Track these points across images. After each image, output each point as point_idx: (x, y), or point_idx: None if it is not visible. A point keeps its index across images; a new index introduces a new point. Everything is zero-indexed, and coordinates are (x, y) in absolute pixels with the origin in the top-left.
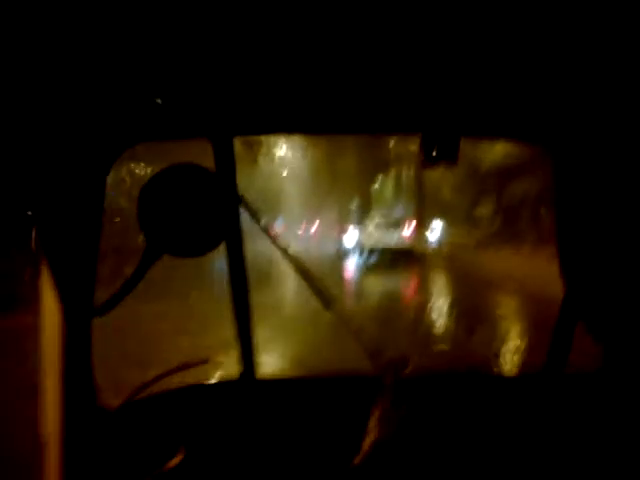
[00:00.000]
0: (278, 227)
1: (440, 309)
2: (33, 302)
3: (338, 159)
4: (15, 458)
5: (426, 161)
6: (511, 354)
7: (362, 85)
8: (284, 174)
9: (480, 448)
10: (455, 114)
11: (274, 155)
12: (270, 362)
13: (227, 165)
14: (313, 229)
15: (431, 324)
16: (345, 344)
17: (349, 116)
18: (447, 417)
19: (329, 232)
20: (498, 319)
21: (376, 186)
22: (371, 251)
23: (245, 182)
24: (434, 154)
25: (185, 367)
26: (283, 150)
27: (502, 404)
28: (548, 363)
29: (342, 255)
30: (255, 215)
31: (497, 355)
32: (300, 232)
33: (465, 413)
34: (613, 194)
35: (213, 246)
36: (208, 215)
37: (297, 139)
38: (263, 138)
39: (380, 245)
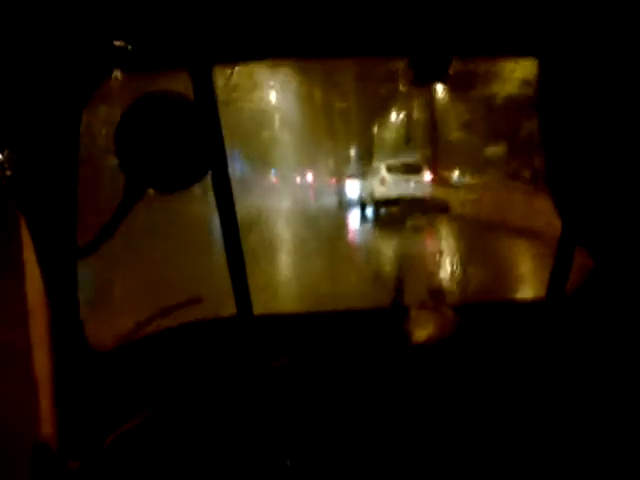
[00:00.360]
0: (272, 178)
1: (457, 253)
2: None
3: (336, 96)
4: (9, 403)
5: (417, 80)
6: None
7: (347, 5)
8: (275, 118)
9: (497, 374)
10: (442, 33)
11: (264, 97)
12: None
13: (207, 95)
14: (311, 178)
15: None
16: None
17: (334, 38)
18: (468, 346)
19: (330, 181)
20: (509, 255)
21: (382, 128)
22: (385, 202)
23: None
24: (424, 73)
25: (179, 306)
26: (274, 91)
27: (516, 329)
28: (550, 289)
29: (348, 206)
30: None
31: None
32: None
33: (485, 340)
34: (600, 112)
35: (197, 179)
36: (190, 146)
37: (289, 78)
38: (252, 78)
39: (394, 194)
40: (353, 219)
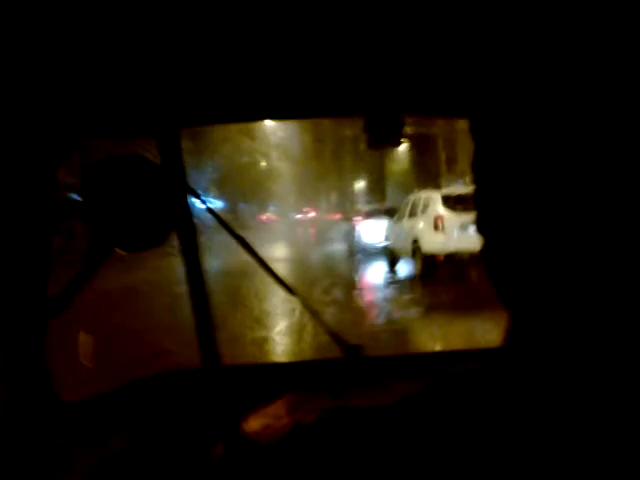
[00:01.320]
0: (270, 213)
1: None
2: None
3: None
4: None
5: (372, 144)
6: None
7: (303, 71)
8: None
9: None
10: (394, 96)
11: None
12: (234, 351)
13: (174, 159)
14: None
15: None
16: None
17: (293, 102)
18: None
19: (333, 218)
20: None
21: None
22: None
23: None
24: (379, 136)
25: (145, 359)
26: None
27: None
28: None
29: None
30: (209, 208)
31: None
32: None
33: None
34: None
35: (162, 240)
36: (155, 207)
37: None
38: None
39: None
40: (377, 283)
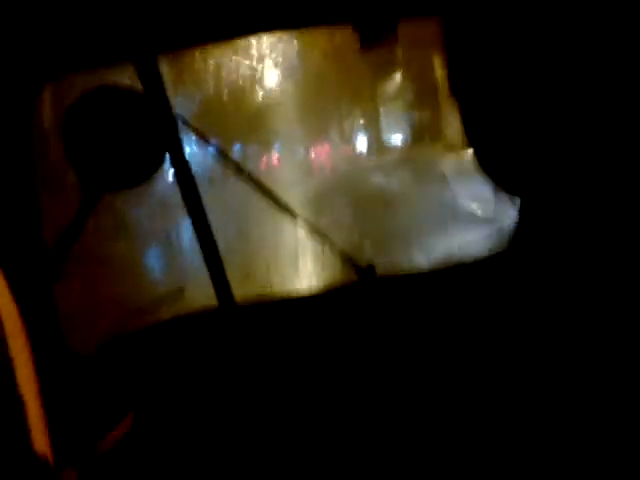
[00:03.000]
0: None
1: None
2: None
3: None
4: None
5: (365, 45)
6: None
7: None
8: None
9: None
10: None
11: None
12: (245, 289)
13: (155, 85)
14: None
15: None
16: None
17: (276, 10)
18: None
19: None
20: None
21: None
22: None
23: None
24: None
25: (160, 302)
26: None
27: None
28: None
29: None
30: (200, 135)
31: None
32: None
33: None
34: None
35: (151, 171)
36: (142, 137)
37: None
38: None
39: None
40: None
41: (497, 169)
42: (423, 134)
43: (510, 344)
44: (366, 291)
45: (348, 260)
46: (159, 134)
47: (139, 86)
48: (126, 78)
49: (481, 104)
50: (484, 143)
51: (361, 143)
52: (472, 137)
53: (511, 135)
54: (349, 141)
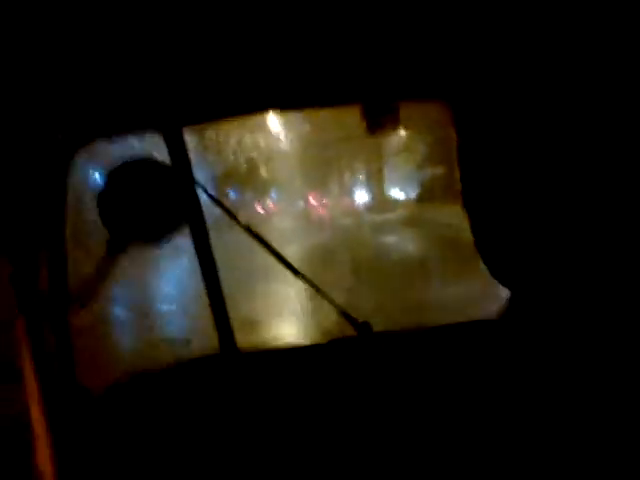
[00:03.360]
0: (269, 204)
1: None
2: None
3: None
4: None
5: (371, 128)
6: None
7: (300, 61)
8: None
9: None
10: (390, 80)
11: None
12: (249, 337)
13: (180, 154)
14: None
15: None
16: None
17: (291, 92)
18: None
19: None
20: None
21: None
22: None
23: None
24: (377, 120)
25: (167, 348)
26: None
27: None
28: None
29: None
30: (216, 201)
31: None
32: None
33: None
34: (516, 151)
35: (174, 233)
36: (167, 205)
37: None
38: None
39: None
40: None
41: (497, 264)
42: (429, 194)
43: (503, 402)
44: (363, 346)
45: (345, 315)
46: (181, 199)
47: (165, 155)
48: (153, 147)
49: (487, 202)
50: (489, 242)
51: (365, 199)
52: (478, 236)
53: (515, 236)
54: (353, 199)
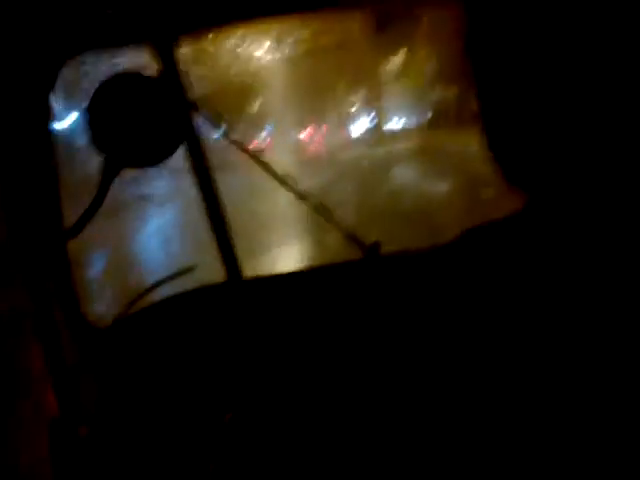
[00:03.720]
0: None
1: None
2: None
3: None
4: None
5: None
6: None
7: None
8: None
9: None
10: None
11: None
12: (253, 263)
13: (172, 67)
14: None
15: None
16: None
17: None
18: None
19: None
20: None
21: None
22: None
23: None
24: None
25: (172, 277)
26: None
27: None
28: None
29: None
30: (211, 119)
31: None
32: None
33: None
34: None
35: (169, 153)
36: (161, 121)
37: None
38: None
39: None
40: None
41: (507, 158)
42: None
43: (514, 329)
44: (370, 268)
45: (353, 238)
46: (175, 116)
47: (156, 68)
48: (143, 59)
49: (499, 91)
50: (498, 131)
51: (367, 126)
52: (487, 123)
53: (527, 126)
54: (355, 124)
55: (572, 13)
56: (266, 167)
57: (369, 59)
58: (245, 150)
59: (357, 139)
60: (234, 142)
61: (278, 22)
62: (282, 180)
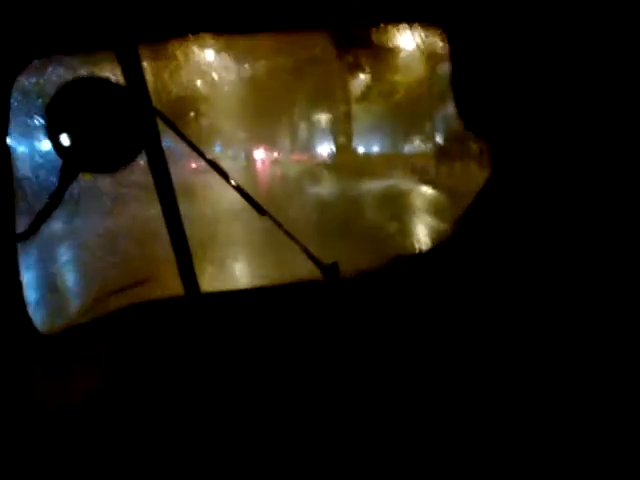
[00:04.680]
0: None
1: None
2: None
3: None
4: None
5: (341, 50)
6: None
7: None
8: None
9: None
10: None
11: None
12: (212, 277)
13: (134, 73)
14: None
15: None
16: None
17: (255, 14)
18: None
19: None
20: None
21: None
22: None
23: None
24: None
25: (124, 289)
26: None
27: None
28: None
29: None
30: (173, 126)
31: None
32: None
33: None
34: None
35: (129, 160)
36: (121, 127)
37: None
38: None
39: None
40: None
41: (473, 114)
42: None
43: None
44: (329, 289)
45: (312, 257)
46: (137, 123)
47: (119, 74)
48: (108, 64)
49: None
50: (467, 93)
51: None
52: (457, 84)
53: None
54: (312, 142)
55: None
56: (229, 180)
57: (332, 79)
58: (210, 162)
59: (317, 158)
60: (195, 150)
61: (242, 39)
62: (244, 193)
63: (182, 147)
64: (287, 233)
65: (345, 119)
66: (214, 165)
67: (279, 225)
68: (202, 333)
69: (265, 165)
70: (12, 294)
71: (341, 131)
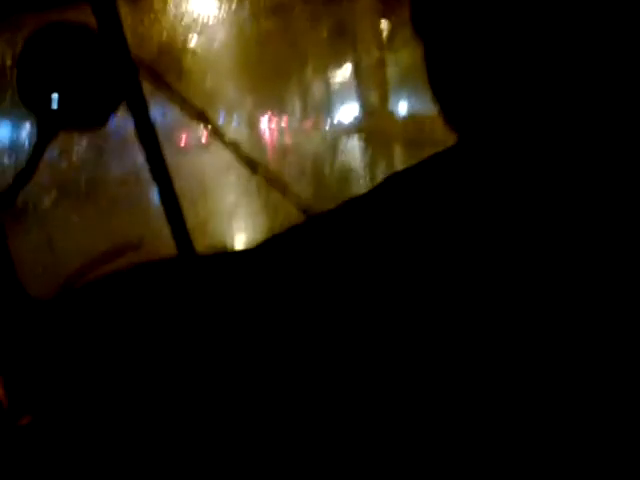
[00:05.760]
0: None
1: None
2: None
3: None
4: None
5: None
6: None
7: None
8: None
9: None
10: None
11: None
12: (206, 238)
13: (113, 26)
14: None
15: None
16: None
17: None
18: None
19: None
20: None
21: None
22: None
23: None
24: None
25: (118, 252)
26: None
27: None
28: None
29: None
30: (159, 79)
31: None
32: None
33: None
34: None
35: (109, 113)
36: (100, 78)
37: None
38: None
39: None
40: None
41: (445, 97)
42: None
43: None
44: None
45: (307, 213)
46: (117, 76)
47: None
48: (83, 18)
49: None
50: (443, 80)
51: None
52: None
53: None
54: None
55: None
56: (219, 135)
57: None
58: (199, 114)
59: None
60: (184, 105)
61: None
62: (238, 151)
63: (164, 120)
64: (280, 185)
65: (377, 71)
66: (204, 117)
67: (273, 178)
68: (198, 295)
69: (273, 136)
70: (2, 260)
71: (372, 87)
